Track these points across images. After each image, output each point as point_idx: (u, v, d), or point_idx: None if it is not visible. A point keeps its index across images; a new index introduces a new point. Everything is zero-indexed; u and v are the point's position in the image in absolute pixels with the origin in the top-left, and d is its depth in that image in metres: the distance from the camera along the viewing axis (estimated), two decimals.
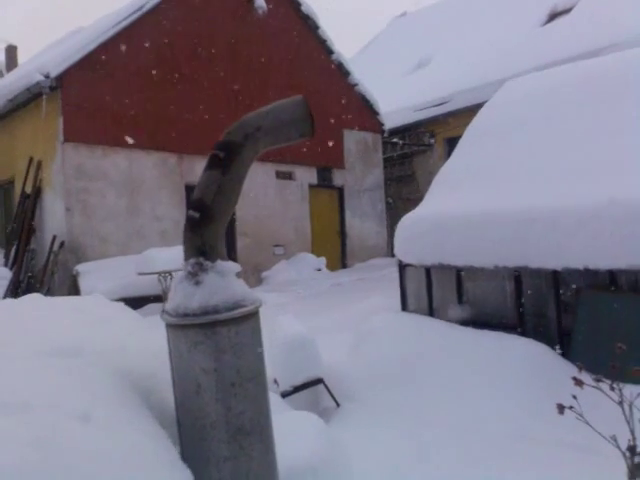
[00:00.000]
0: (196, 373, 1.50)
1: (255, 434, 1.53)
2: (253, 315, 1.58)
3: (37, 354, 1.47)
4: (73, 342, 1.60)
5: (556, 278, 4.53)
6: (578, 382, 2.26)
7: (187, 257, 1.61)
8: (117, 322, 2.04)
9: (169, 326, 1.56)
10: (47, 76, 10.23)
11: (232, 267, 1.61)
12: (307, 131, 1.56)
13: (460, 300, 5.24)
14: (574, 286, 4.43)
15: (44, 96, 10.57)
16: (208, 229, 1.56)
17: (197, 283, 1.56)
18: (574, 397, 2.30)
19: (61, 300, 2.47)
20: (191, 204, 1.58)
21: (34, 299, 5.20)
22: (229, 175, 1.55)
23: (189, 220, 1.57)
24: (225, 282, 1.56)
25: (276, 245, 13.32)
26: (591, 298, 4.29)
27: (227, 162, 1.55)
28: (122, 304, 2.42)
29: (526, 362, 4.16)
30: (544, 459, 3.26)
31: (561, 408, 2.27)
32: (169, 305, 1.58)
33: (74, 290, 9.95)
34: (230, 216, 1.62)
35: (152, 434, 1.37)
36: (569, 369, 4.07)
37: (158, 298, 9.49)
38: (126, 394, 1.48)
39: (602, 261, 4.11)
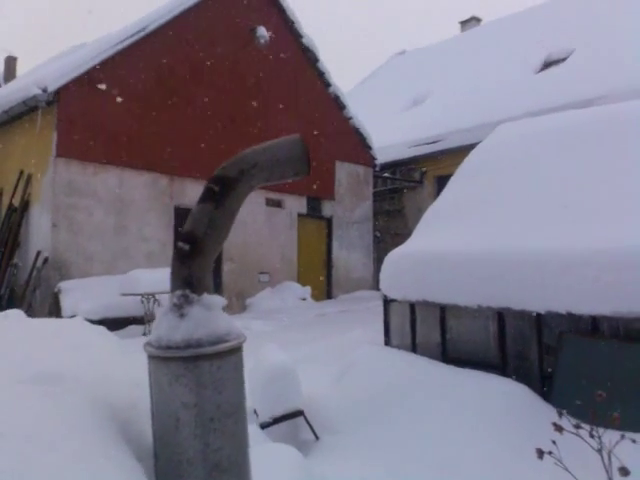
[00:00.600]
0: (176, 407, 1.48)
1: (232, 471, 1.50)
2: (236, 350, 1.57)
3: (15, 380, 1.44)
4: (53, 369, 1.57)
5: (539, 321, 4.55)
6: (558, 428, 2.26)
7: (173, 289, 1.60)
8: (98, 348, 2.01)
9: (151, 358, 1.55)
10: (44, 90, 10.26)
11: (218, 301, 1.61)
12: (302, 170, 1.58)
13: (443, 338, 5.24)
14: (557, 330, 4.45)
15: (40, 110, 10.59)
16: (196, 262, 1.55)
17: (182, 316, 1.55)
18: (554, 442, 2.30)
19: (40, 322, 2.43)
20: (181, 236, 1.58)
21: (13, 317, 5.11)
22: (222, 209, 1.55)
23: (178, 251, 1.57)
24: (210, 316, 1.55)
25: (262, 272, 13.30)
26: (573, 342, 4.31)
27: (221, 196, 1.56)
28: (103, 328, 2.38)
29: (507, 403, 4.16)
30: None
31: (540, 453, 2.27)
32: (152, 336, 1.57)
33: (55, 308, 9.83)
34: (219, 250, 1.62)
35: (128, 468, 1.34)
36: (549, 412, 4.06)
37: (140, 320, 9.41)
38: (104, 425, 1.45)
39: (585, 306, 4.15)
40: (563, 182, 5.27)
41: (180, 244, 1.55)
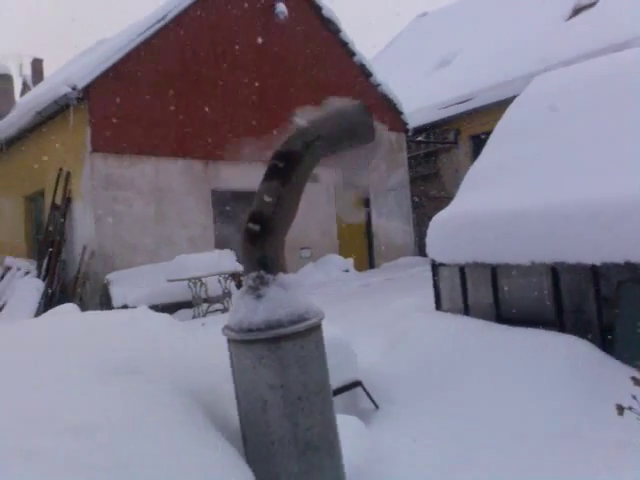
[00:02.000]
0: (262, 389, 1.45)
1: (324, 449, 1.48)
2: (316, 328, 1.54)
3: (97, 372, 1.44)
4: (130, 359, 1.57)
5: (595, 273, 4.42)
6: (638, 382, 2.18)
7: (247, 270, 1.57)
8: (169, 336, 2.02)
9: (232, 341, 1.52)
10: (74, 88, 10.36)
11: (293, 279, 1.58)
12: (368, 137, 1.52)
13: (496, 298, 5.16)
14: (615, 280, 4.33)
15: (71, 108, 10.71)
16: (268, 241, 1.52)
17: (259, 297, 1.52)
18: (634, 397, 2.22)
19: (109, 314, 2.45)
20: (250, 216, 1.55)
21: (68, 310, 5.21)
22: (289, 185, 1.51)
23: (248, 233, 1.54)
24: (288, 295, 1.52)
25: (303, 248, 13.30)
26: (633, 292, 4.18)
27: (287, 172, 1.51)
28: (168, 316, 2.39)
29: (569, 359, 4.06)
30: (597, 459, 3.16)
31: (620, 409, 2.20)
32: (231, 320, 1.55)
33: (105, 299, 10.05)
34: (290, 227, 1.59)
35: (226, 453, 1.34)
36: (613, 365, 3.98)
37: (188, 304, 9.56)
38: (191, 411, 1.44)
39: None
40: (609, 129, 5.08)
41: (250, 225, 1.52)
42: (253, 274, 1.55)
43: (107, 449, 1.09)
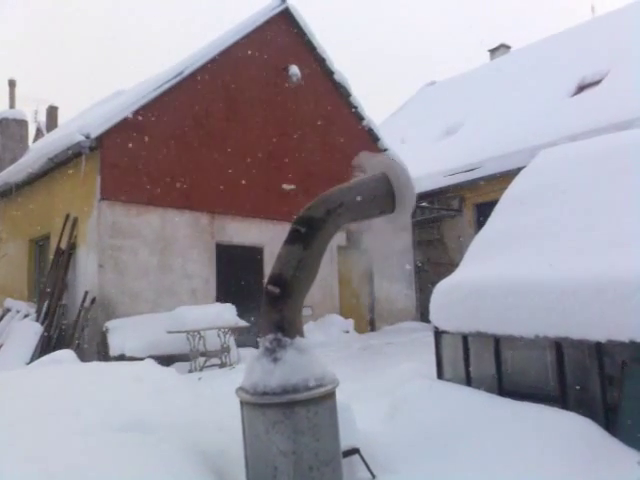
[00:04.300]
0: (273, 455, 1.41)
1: None
2: (331, 395, 1.51)
3: (108, 429, 1.41)
4: (142, 415, 1.54)
5: (600, 350, 4.38)
6: None
7: (265, 332, 1.56)
8: (177, 392, 1.98)
9: (245, 404, 1.49)
10: (87, 136, 10.56)
11: (309, 344, 1.57)
12: (388, 208, 1.55)
13: (499, 369, 5.09)
14: (619, 359, 4.28)
15: (83, 155, 10.87)
16: (287, 305, 1.52)
17: (275, 360, 1.50)
18: None
19: (115, 367, 2.42)
20: (270, 279, 1.55)
21: (64, 357, 5.14)
22: (310, 250, 1.51)
23: (268, 295, 1.53)
24: (305, 360, 1.50)
25: (304, 306, 13.18)
26: (638, 372, 4.13)
27: (308, 237, 1.52)
28: (173, 370, 2.36)
29: (572, 438, 3.98)
30: None
31: None
32: (246, 382, 1.52)
33: (103, 346, 9.94)
34: (308, 291, 1.59)
35: None
36: (617, 447, 3.90)
37: (185, 357, 9.44)
38: (204, 474, 1.41)
39: None
40: (614, 205, 5.14)
41: (270, 287, 1.52)
42: (270, 336, 1.54)
43: None
